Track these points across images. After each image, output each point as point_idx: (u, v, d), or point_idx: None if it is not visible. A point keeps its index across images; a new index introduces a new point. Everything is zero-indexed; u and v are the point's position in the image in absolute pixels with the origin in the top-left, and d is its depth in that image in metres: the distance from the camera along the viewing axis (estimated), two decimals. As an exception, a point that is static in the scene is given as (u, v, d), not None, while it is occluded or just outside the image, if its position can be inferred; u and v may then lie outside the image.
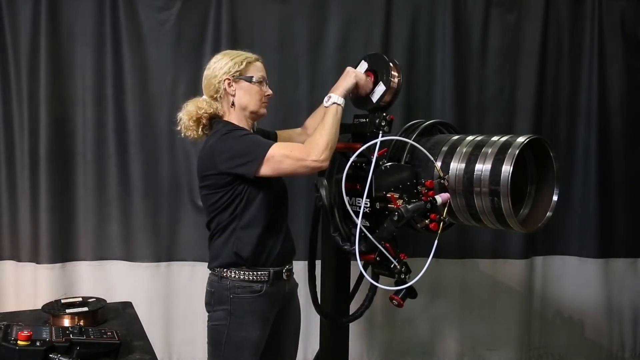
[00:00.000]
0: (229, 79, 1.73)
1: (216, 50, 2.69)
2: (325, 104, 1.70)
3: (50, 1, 2.59)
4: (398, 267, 1.69)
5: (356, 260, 1.68)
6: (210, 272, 1.79)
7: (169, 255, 2.76)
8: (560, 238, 3.05)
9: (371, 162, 1.67)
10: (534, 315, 3.07)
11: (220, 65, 1.74)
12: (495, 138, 1.73)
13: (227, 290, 1.71)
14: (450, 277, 2.95)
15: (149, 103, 2.70)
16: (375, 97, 1.77)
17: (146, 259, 2.73)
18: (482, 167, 1.67)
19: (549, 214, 1.77)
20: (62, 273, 2.68)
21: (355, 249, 1.64)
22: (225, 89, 1.74)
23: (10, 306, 2.61)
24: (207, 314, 1.78)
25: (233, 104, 1.75)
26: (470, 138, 1.79)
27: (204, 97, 1.80)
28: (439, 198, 1.62)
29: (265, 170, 1.62)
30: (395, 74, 1.75)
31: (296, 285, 1.95)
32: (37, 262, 2.65)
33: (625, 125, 3.04)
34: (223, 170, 1.65)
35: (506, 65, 2.94)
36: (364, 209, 1.70)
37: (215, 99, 1.76)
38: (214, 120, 1.78)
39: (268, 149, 1.61)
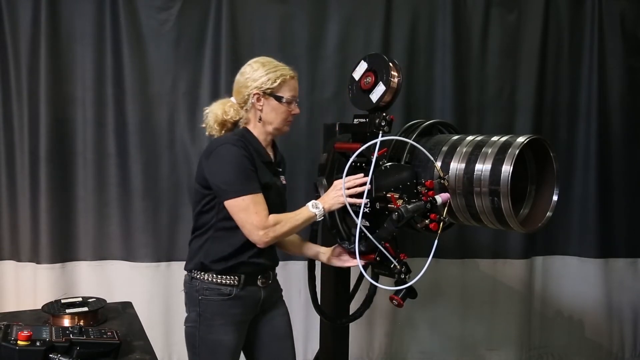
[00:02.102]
0: (259, 94, 1.71)
1: (216, 50, 2.71)
2: (310, 207, 1.67)
3: (50, 1, 2.59)
4: (398, 267, 1.70)
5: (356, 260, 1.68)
6: (185, 272, 1.78)
7: (169, 255, 2.77)
8: (560, 238, 3.05)
9: (371, 162, 1.67)
10: (534, 315, 3.07)
11: (254, 77, 1.71)
12: (495, 138, 1.73)
13: (197, 292, 1.70)
14: (450, 277, 2.96)
15: (149, 103, 2.70)
16: (375, 97, 1.77)
17: (146, 259, 2.74)
18: (482, 167, 1.67)
19: (549, 213, 1.77)
20: (62, 273, 2.68)
21: (355, 249, 1.64)
22: (253, 103, 1.72)
23: (10, 306, 2.61)
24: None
25: (260, 119, 1.73)
26: (470, 138, 1.80)
27: (233, 100, 1.78)
28: (439, 198, 1.62)
29: (227, 208, 1.64)
30: (395, 74, 1.75)
31: (279, 290, 1.90)
32: (37, 262, 2.65)
33: (625, 125, 3.05)
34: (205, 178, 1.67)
35: (506, 65, 2.94)
36: (364, 209, 1.70)
37: (243, 108, 1.75)
38: (237, 126, 1.78)
39: (243, 194, 1.61)
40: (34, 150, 2.62)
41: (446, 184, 1.69)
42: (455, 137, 1.84)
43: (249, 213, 1.61)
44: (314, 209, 1.67)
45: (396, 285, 1.71)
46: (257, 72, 1.72)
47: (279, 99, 1.71)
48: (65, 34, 2.64)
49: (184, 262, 2.74)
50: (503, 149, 1.65)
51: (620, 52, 3.02)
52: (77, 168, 2.69)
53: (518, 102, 2.96)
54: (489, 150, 1.68)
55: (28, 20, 2.59)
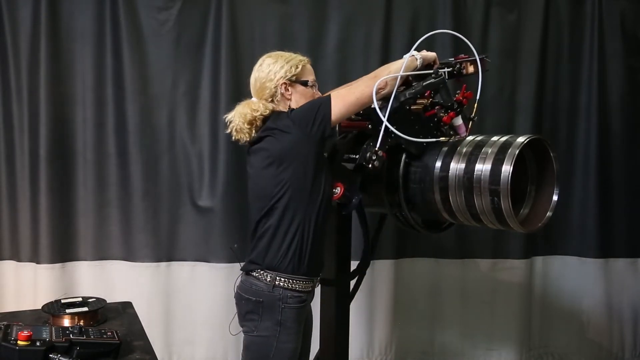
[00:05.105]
0: (286, 83, 1.72)
1: (216, 50, 2.71)
2: (407, 57, 1.77)
3: (50, 1, 2.59)
4: (375, 151, 1.70)
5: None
6: (252, 275, 1.69)
7: (169, 255, 2.76)
8: (560, 238, 3.05)
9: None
10: (534, 315, 3.07)
11: (276, 69, 1.72)
12: (495, 138, 1.73)
13: (280, 300, 1.64)
14: (450, 277, 2.95)
15: (149, 103, 2.70)
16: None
17: (146, 259, 2.73)
18: (482, 167, 1.67)
19: (549, 213, 1.77)
20: (62, 273, 2.68)
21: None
22: (282, 93, 1.73)
23: (10, 306, 2.61)
24: (245, 323, 1.70)
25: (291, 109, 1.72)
26: (470, 138, 1.80)
27: (255, 100, 1.76)
28: (458, 120, 1.80)
29: (338, 109, 1.64)
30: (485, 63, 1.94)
31: None
32: (37, 262, 2.65)
33: (625, 125, 3.05)
34: (307, 135, 1.62)
35: (506, 65, 2.94)
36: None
37: (272, 102, 1.73)
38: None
39: (330, 98, 1.65)
40: (34, 150, 2.62)
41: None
42: (456, 137, 1.84)
43: (349, 90, 1.69)
44: (411, 55, 1.78)
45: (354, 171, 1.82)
46: (277, 64, 1.73)
47: (304, 83, 1.75)
48: (65, 34, 2.64)
49: (184, 262, 2.77)
50: (503, 149, 1.65)
51: (620, 52, 3.02)
52: (77, 168, 2.69)
53: (518, 102, 2.96)
54: (489, 150, 1.68)
55: (28, 19, 2.59)
